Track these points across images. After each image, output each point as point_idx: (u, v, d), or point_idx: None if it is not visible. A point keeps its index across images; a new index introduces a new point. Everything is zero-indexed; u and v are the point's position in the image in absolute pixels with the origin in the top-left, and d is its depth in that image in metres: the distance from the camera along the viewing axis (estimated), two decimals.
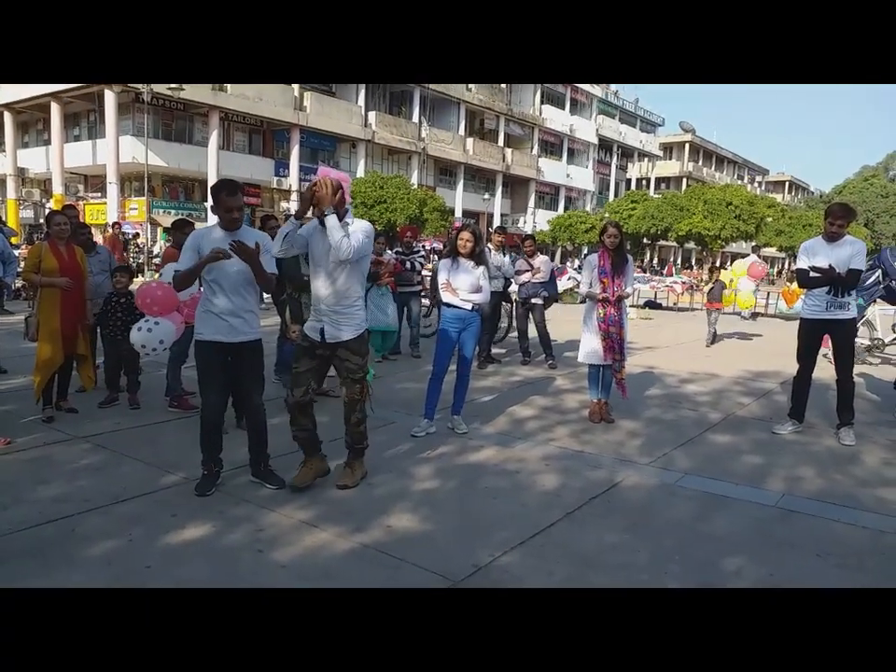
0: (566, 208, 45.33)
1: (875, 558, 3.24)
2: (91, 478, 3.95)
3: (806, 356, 5.35)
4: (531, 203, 43.63)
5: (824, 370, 5.56)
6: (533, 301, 8.23)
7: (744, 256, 18.87)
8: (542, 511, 3.69)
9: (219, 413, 3.93)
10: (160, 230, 26.71)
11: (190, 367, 5.92)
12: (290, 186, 31.01)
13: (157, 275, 5.30)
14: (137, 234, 24.68)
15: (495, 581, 2.92)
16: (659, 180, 56.82)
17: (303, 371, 3.83)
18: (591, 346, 5.41)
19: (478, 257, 5.03)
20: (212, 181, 29.35)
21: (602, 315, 5.33)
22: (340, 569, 3.00)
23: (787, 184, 73.51)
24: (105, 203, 27.51)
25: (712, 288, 10.82)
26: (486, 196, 38.34)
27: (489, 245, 7.73)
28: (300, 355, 3.88)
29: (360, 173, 32.15)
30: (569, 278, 14.61)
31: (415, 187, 30.89)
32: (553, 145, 45.85)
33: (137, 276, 19.94)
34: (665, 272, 35.42)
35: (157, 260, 20.53)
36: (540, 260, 8.25)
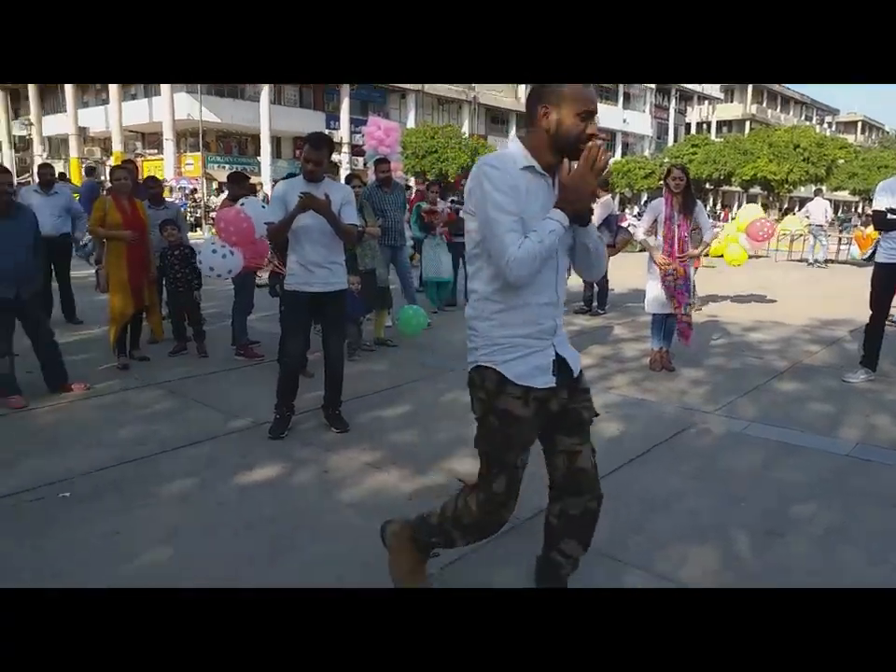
0: (622, 154, 43.92)
1: None
2: (164, 422, 4.12)
3: (881, 302, 5.11)
4: None
5: None
6: None
7: (809, 199, 18.02)
8: (604, 457, 3.60)
9: (301, 360, 4.14)
10: (215, 184, 27.14)
11: (255, 318, 6.08)
12: (341, 138, 30.93)
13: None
14: (195, 190, 25.13)
15: None
16: (720, 123, 54.29)
17: None
18: (655, 293, 5.28)
19: None
20: (264, 135, 29.63)
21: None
22: (402, 509, 3.06)
23: (859, 124, 69.29)
24: (163, 160, 28.06)
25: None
26: None
27: None
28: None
29: (411, 123, 31.76)
30: (629, 225, 14.18)
31: (467, 136, 30.38)
32: (608, 89, 44.14)
33: (195, 231, 20.42)
34: (722, 218, 34.20)
35: (213, 215, 20.89)
36: (599, 202, 8.00)
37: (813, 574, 2.55)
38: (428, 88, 33.12)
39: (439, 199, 8.24)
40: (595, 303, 8.10)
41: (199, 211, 23.17)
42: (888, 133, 69.03)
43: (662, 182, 5.39)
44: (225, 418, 4.19)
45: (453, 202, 8.30)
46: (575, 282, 9.08)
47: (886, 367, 5.36)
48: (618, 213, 9.24)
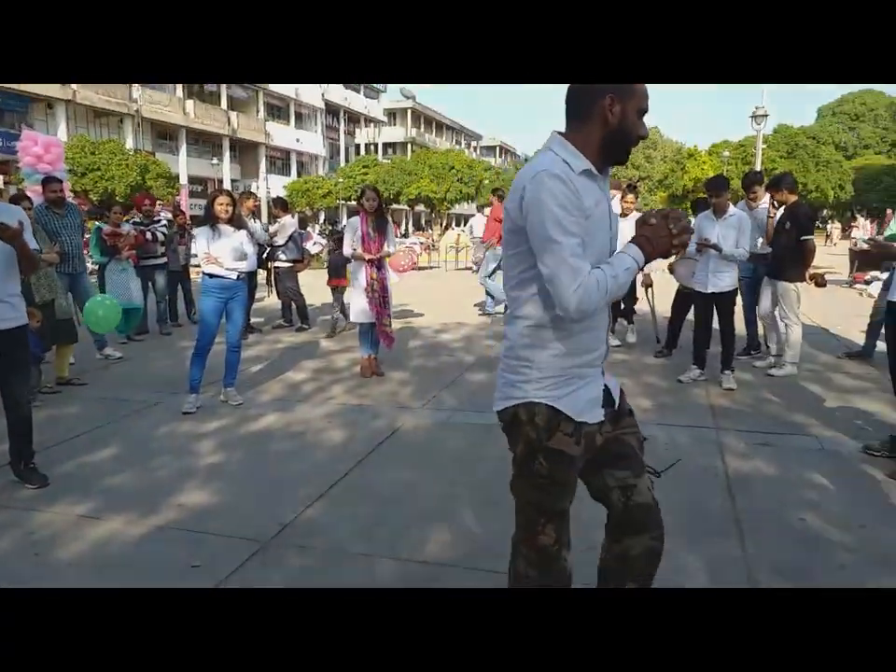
0: (298, 173, 44.67)
1: None
2: None
3: None
4: (262, 167, 42.18)
5: None
6: (276, 265, 8.22)
7: (470, 216, 20.53)
8: (335, 463, 3.84)
9: None
10: None
11: None
12: None
13: None
14: None
15: (304, 533, 3.03)
16: (386, 145, 58.42)
17: None
18: (361, 305, 5.61)
19: (237, 221, 4.92)
20: None
21: (367, 275, 5.57)
22: (137, 556, 2.85)
23: (498, 148, 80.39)
24: None
25: (330, 262, 8.39)
26: (214, 161, 36.19)
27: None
28: None
29: (62, 137, 28.15)
30: (314, 243, 14.61)
31: (132, 152, 28.03)
32: (280, 108, 44.58)
33: None
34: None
35: None
36: (279, 224, 8.23)
37: None
38: (81, 98, 29.72)
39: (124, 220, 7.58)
40: (292, 318, 8.31)
41: None
42: (519, 157, 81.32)
43: (358, 202, 5.76)
44: None
45: (135, 223, 7.69)
46: (272, 301, 9.15)
47: None
48: (303, 231, 9.50)
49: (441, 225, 42.41)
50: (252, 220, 7.64)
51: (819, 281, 5.57)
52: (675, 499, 3.32)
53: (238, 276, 4.88)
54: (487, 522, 3.11)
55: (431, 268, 19.95)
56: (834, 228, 33.16)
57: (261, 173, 42.19)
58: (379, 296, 5.61)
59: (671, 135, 58.11)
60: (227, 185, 37.44)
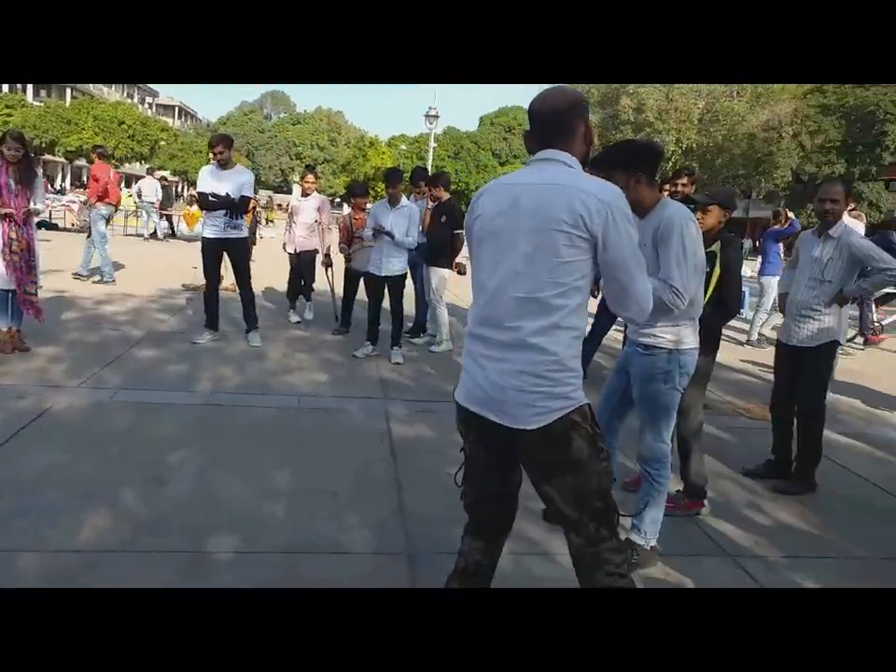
0: None
1: (283, 429, 4.05)
2: None
3: (211, 270, 5.91)
4: None
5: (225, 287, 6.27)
6: None
7: (140, 177, 18.77)
8: None
9: None
10: None
11: None
12: None
13: None
14: None
15: None
16: (38, 87, 50.05)
17: None
18: None
19: None
20: None
21: (4, 233, 4.77)
22: None
23: (177, 109, 74.42)
24: None
25: None
26: None
27: None
28: None
29: None
30: None
31: None
32: None
33: None
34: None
35: None
36: None
37: (195, 508, 2.98)
38: None
39: None
40: None
41: None
42: (200, 121, 76.47)
43: None
44: None
45: None
46: None
47: (224, 327, 6.28)
48: None
49: None
50: None
51: (461, 270, 6.41)
52: (344, 464, 3.57)
53: None
54: (151, 501, 2.98)
55: None
56: None
57: None
58: (20, 259, 4.87)
59: (355, 122, 60.09)
60: None
